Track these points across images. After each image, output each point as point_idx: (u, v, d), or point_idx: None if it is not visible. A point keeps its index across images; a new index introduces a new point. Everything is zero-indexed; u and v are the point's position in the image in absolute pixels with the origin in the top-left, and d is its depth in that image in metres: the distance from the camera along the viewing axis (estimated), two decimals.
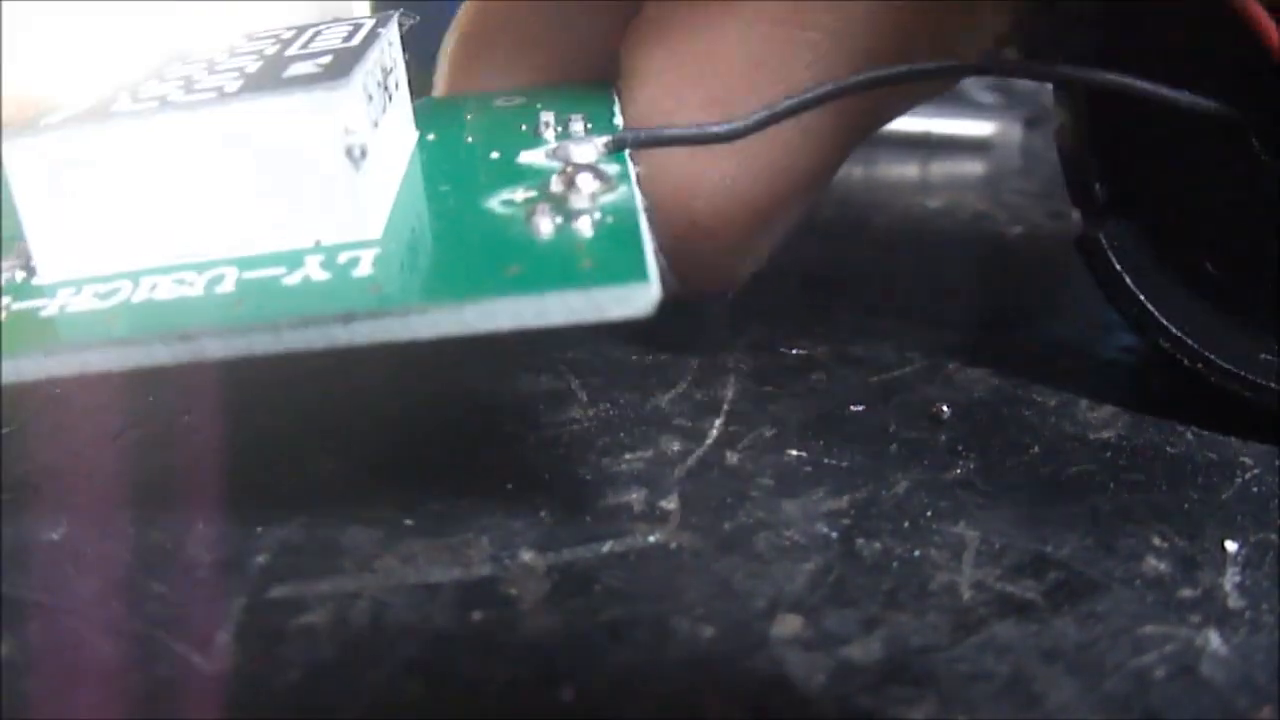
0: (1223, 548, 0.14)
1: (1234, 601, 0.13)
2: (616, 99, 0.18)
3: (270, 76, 0.14)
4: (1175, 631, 0.13)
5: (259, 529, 0.14)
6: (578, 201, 0.14)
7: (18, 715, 0.12)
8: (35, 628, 0.13)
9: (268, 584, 0.13)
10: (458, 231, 0.14)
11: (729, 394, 0.18)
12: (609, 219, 0.13)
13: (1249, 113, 0.16)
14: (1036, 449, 0.16)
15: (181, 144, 0.13)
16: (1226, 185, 0.17)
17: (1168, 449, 0.16)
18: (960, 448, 0.16)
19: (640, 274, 0.12)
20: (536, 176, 0.15)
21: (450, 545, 0.14)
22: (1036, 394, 0.18)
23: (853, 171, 0.29)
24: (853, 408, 0.17)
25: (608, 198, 0.14)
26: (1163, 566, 0.14)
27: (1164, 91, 0.16)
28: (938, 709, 0.12)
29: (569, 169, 0.14)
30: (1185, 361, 0.17)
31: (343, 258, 0.13)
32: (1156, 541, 0.14)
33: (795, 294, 0.21)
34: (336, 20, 0.17)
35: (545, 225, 0.13)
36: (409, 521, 0.15)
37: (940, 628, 0.13)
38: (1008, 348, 0.19)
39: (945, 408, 0.17)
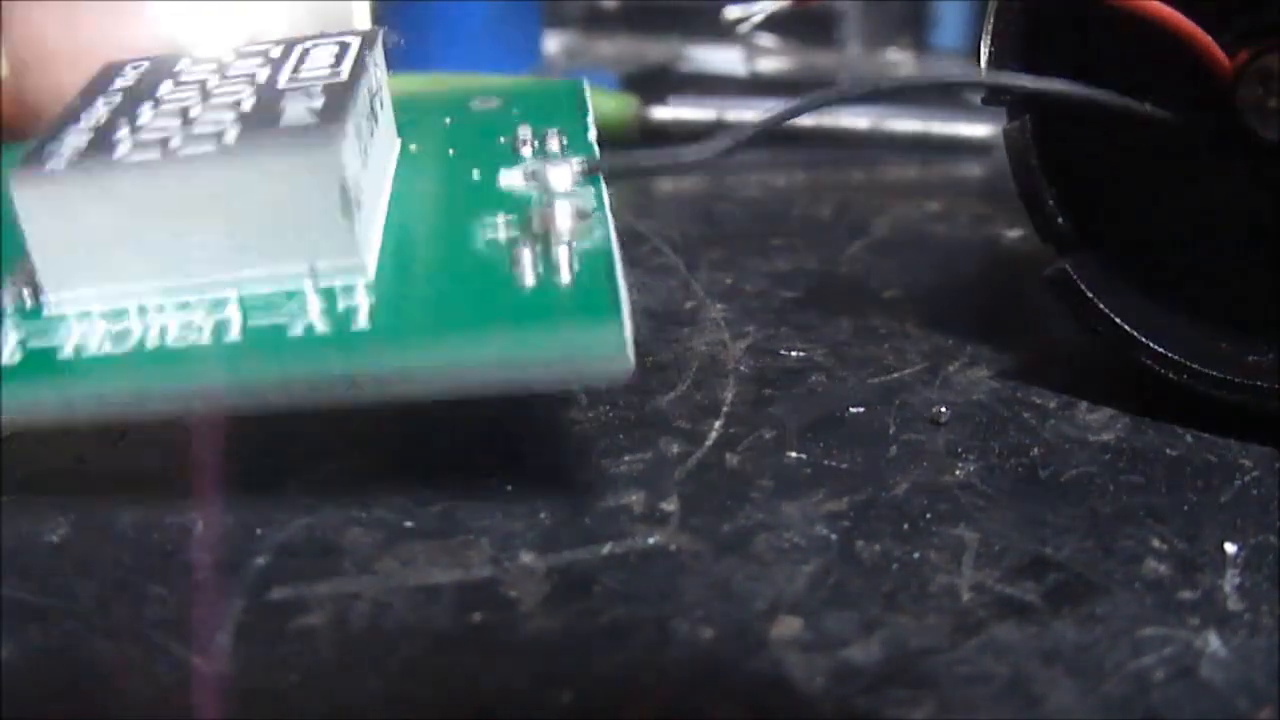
0: (1222, 550, 0.14)
1: (1233, 603, 0.13)
2: (589, 105, 0.19)
3: (266, 117, 0.15)
4: (1175, 633, 0.13)
5: (259, 530, 0.14)
6: (558, 244, 0.15)
7: (18, 716, 0.12)
8: (36, 629, 0.13)
9: (268, 585, 0.13)
10: (447, 279, 0.15)
11: (728, 396, 0.18)
12: (586, 273, 0.14)
13: (1200, 122, 0.16)
14: (1036, 451, 0.16)
15: (185, 191, 0.14)
16: (1183, 194, 0.17)
17: (1167, 451, 0.16)
18: (959, 450, 0.16)
19: (619, 347, 0.13)
20: (516, 204, 0.16)
21: (450, 547, 0.14)
22: (1036, 396, 0.18)
23: (852, 173, 0.29)
24: (852, 410, 0.17)
25: (584, 244, 0.15)
26: (1162, 568, 0.14)
27: (1130, 104, 0.16)
28: (937, 711, 0.12)
29: (547, 201, 0.16)
30: (1171, 375, 0.17)
31: (341, 305, 0.14)
32: (1156, 543, 0.14)
33: (795, 296, 0.21)
34: (324, 36, 0.18)
35: (528, 276, 0.14)
36: (409, 523, 0.15)
37: (940, 629, 0.13)
38: (1007, 350, 0.19)
39: (944, 410, 0.17)
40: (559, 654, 0.13)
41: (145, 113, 0.15)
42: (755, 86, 0.37)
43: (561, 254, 0.15)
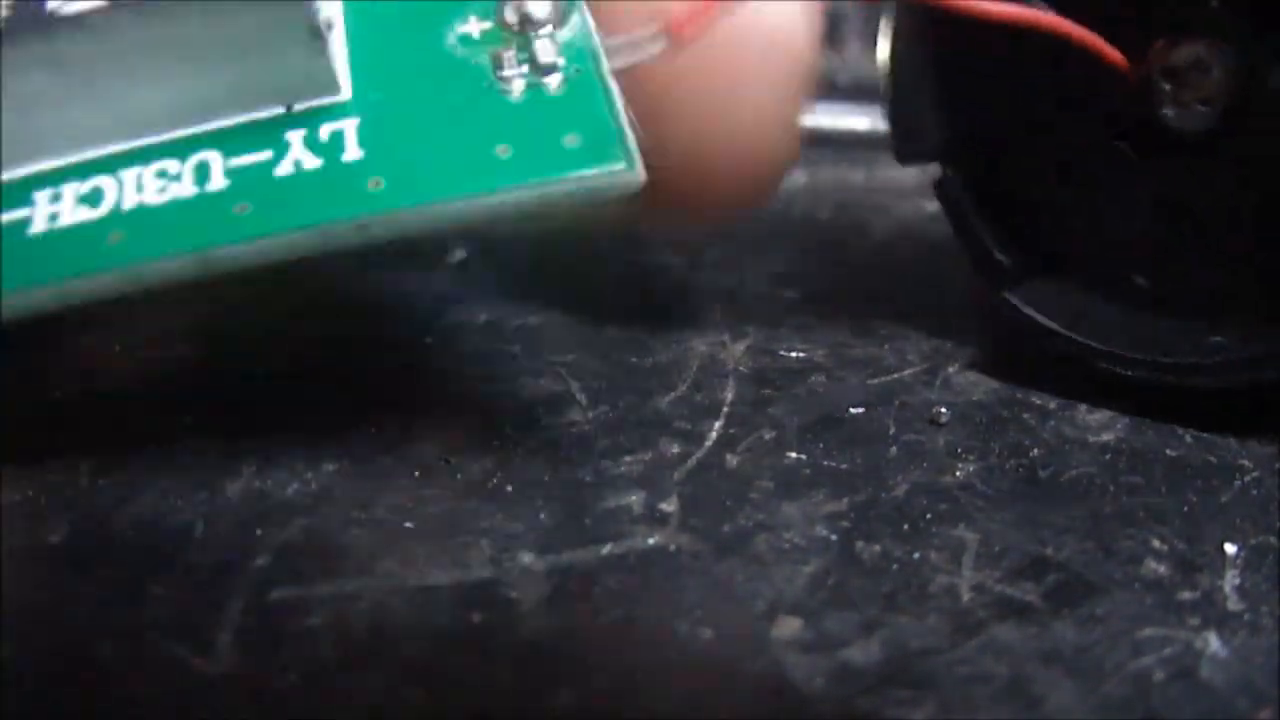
0: (1222, 550, 0.14)
1: (1233, 604, 0.13)
2: None
3: None
4: (1175, 634, 0.13)
5: (259, 531, 0.14)
6: (541, 47, 0.14)
7: (18, 716, 0.12)
8: (35, 629, 0.13)
9: (268, 586, 0.13)
10: (430, 94, 0.14)
11: (728, 396, 0.18)
12: (574, 72, 0.14)
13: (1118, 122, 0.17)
14: (1036, 451, 0.16)
15: (147, 38, 0.13)
16: (1118, 197, 0.17)
17: (1167, 452, 0.16)
18: (959, 450, 0.16)
19: (625, 158, 0.13)
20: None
21: (450, 548, 0.14)
22: (1035, 397, 0.18)
23: (852, 174, 0.29)
24: (852, 410, 0.17)
25: (566, 35, 0.14)
26: (1162, 569, 0.14)
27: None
28: (937, 711, 0.12)
29: None
30: (1130, 373, 0.17)
31: (324, 133, 0.13)
32: (1156, 544, 0.14)
33: (794, 296, 0.21)
34: None
35: (517, 85, 0.14)
36: (409, 524, 0.14)
37: (940, 630, 0.13)
38: (1007, 350, 0.19)
39: (944, 410, 0.17)
40: (559, 654, 0.13)
41: None
42: None
43: (543, 49, 0.14)
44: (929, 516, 0.15)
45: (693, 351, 0.19)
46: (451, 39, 0.14)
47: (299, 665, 0.12)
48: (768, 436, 0.17)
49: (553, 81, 0.14)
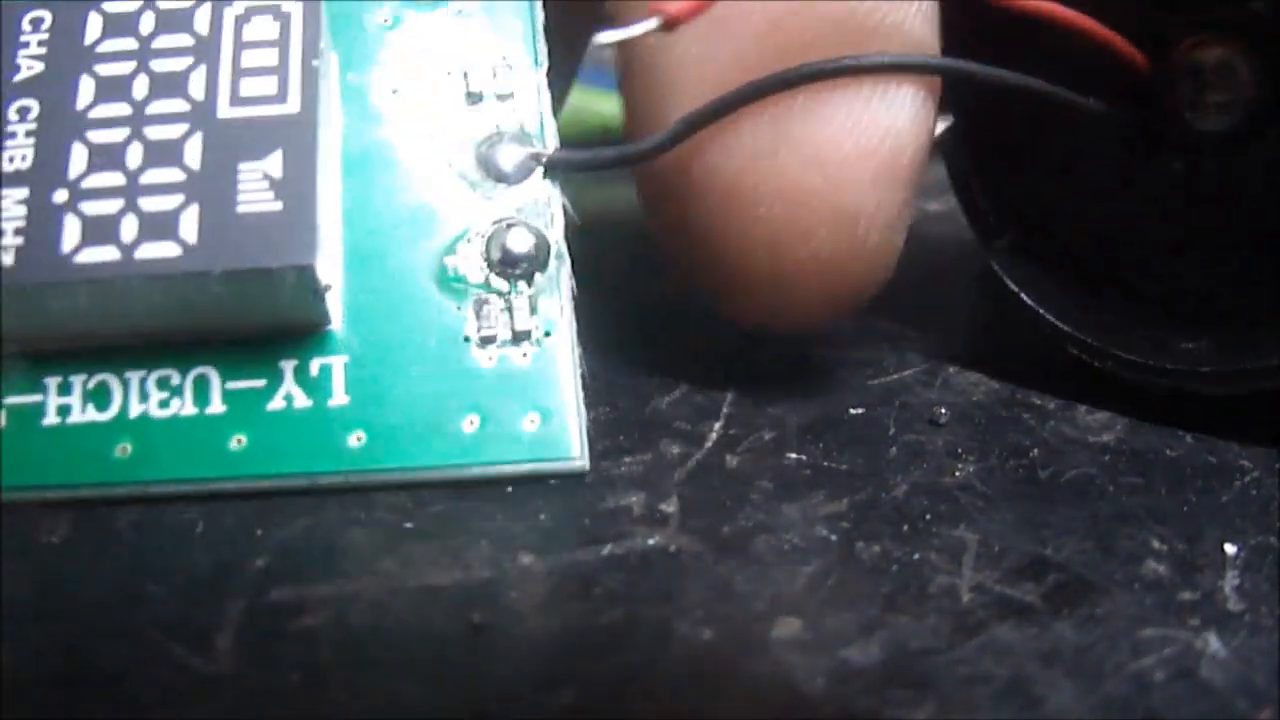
0: (1222, 550, 0.14)
1: (1233, 604, 0.13)
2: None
3: (218, 193, 0.14)
4: (1175, 634, 0.13)
5: (259, 531, 0.14)
6: (518, 309, 0.16)
7: (18, 716, 0.12)
8: (35, 630, 0.13)
9: (268, 586, 0.13)
10: (412, 343, 0.15)
11: (728, 397, 0.18)
12: (543, 337, 0.16)
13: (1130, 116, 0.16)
14: (1036, 452, 0.16)
15: (147, 294, 0.14)
16: (1116, 188, 0.17)
17: (1167, 452, 0.16)
18: (959, 451, 0.16)
19: (576, 449, 0.15)
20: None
21: (450, 548, 0.14)
22: (1035, 397, 0.18)
23: None
24: (852, 411, 0.17)
25: (541, 284, 0.16)
26: (1162, 569, 0.14)
27: (1073, 97, 0.16)
28: (937, 711, 0.12)
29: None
30: (1096, 363, 0.17)
31: (314, 367, 0.15)
32: (1156, 544, 0.14)
33: None
34: (256, 6, 0.16)
35: (490, 355, 0.15)
36: (409, 524, 0.14)
37: (940, 630, 0.13)
38: (1007, 351, 0.19)
39: (944, 410, 0.17)
40: (559, 654, 0.13)
41: (77, 154, 0.14)
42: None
43: (519, 312, 0.15)
44: (929, 516, 0.15)
45: (693, 351, 0.19)
46: (440, 270, 0.16)
47: (299, 665, 0.12)
48: (767, 437, 0.17)
49: (522, 353, 0.15)
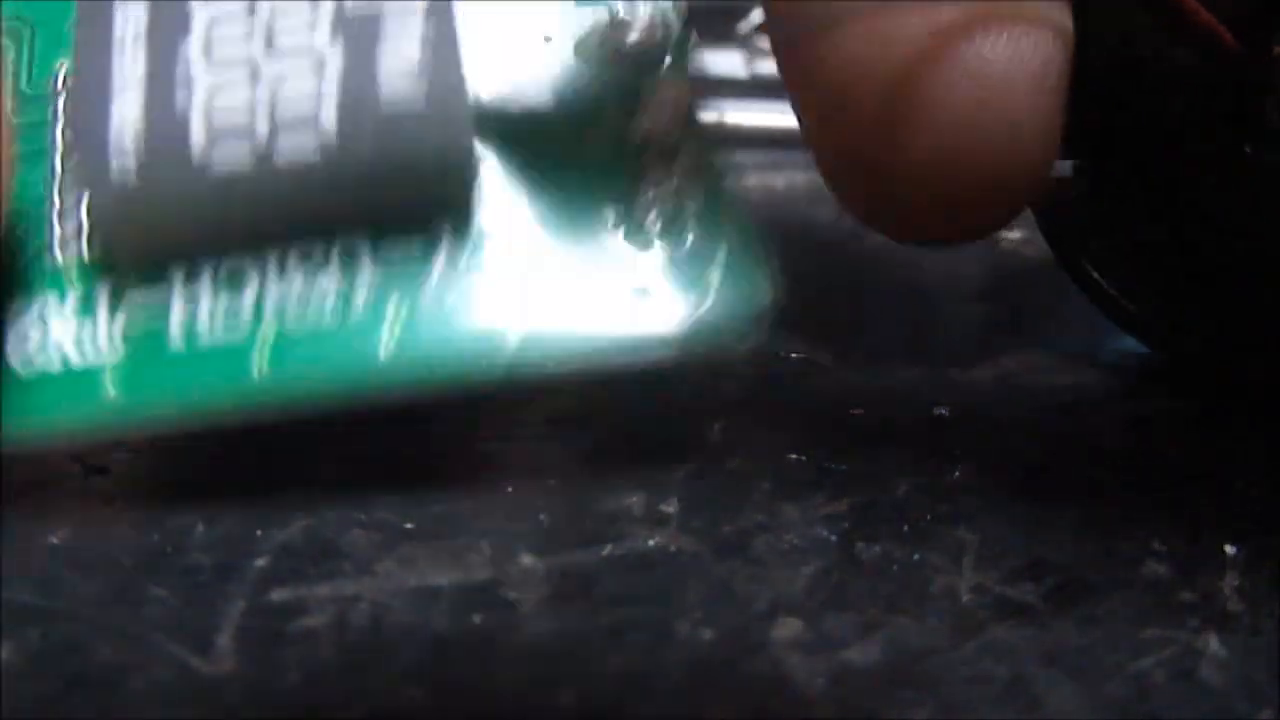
0: (1222, 551, 0.14)
1: (1233, 605, 0.13)
2: None
3: (360, 86, 0.13)
4: (1175, 635, 0.13)
5: (259, 532, 0.14)
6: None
7: (18, 717, 0.12)
8: (36, 630, 0.13)
9: (267, 587, 0.13)
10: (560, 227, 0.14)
11: (728, 397, 0.18)
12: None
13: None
14: (1036, 452, 0.16)
15: (284, 196, 0.13)
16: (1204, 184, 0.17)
17: (1167, 452, 0.16)
18: (960, 451, 0.16)
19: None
20: None
21: (450, 548, 0.14)
22: (1036, 398, 0.18)
23: None
24: (852, 411, 0.17)
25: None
26: (1162, 570, 0.14)
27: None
28: (937, 712, 0.12)
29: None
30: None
31: (463, 261, 0.14)
32: (1156, 545, 0.14)
33: (794, 297, 0.21)
34: None
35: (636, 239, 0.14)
36: (409, 525, 0.14)
37: (940, 631, 0.13)
38: (1007, 350, 0.19)
39: (945, 411, 0.17)
40: (559, 656, 0.13)
41: (195, 51, 0.13)
42: (756, 88, 0.37)
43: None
44: (929, 517, 0.15)
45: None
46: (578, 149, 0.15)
47: (299, 665, 0.12)
48: (768, 437, 0.17)
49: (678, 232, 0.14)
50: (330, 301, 0.14)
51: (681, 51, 0.15)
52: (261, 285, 0.14)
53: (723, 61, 0.40)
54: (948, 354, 0.19)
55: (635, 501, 0.15)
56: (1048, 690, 0.12)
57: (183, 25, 0.14)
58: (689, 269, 0.14)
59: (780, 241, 0.24)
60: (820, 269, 0.23)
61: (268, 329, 0.14)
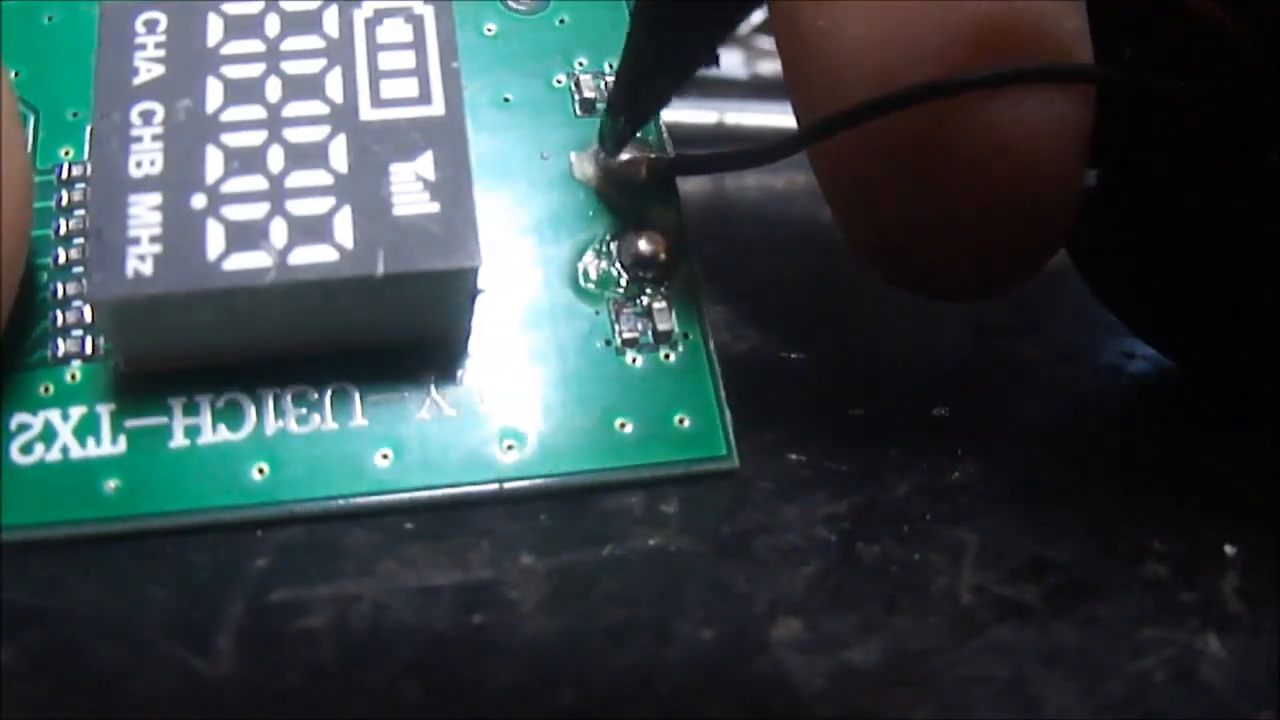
0: (1222, 551, 0.14)
1: (1233, 605, 0.13)
2: None
3: (371, 198, 0.14)
4: (1174, 635, 0.13)
5: (259, 531, 0.14)
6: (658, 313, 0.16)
7: (18, 717, 0.12)
8: (35, 631, 0.13)
9: (267, 587, 0.13)
10: (552, 349, 0.15)
11: (728, 397, 0.18)
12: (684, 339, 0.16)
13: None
14: (1036, 452, 0.16)
15: (298, 303, 0.14)
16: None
17: (1167, 452, 0.16)
18: (959, 451, 0.16)
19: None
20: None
21: (450, 549, 0.14)
22: (1037, 398, 0.18)
23: None
24: (852, 411, 0.17)
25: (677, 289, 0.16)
26: (1162, 570, 0.14)
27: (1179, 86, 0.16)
28: (937, 712, 0.12)
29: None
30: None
31: (458, 377, 0.15)
32: (1156, 545, 0.14)
33: (795, 297, 0.21)
34: (386, 9, 0.15)
35: (629, 361, 0.16)
36: (409, 525, 0.14)
37: (940, 631, 0.13)
38: (1008, 351, 0.19)
39: (944, 410, 0.17)
40: (559, 655, 0.13)
41: (213, 158, 0.14)
42: (756, 89, 0.37)
43: (659, 314, 0.16)
44: (929, 517, 0.15)
45: None
46: (573, 275, 0.16)
47: (299, 665, 0.12)
48: (768, 436, 0.17)
49: (664, 355, 0.16)
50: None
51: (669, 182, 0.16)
52: (259, 414, 0.14)
53: (723, 61, 0.40)
54: (948, 354, 0.19)
55: (635, 501, 0.15)
56: (1047, 690, 0.12)
57: (204, 131, 0.14)
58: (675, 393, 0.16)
59: (780, 241, 0.24)
60: (820, 269, 0.23)
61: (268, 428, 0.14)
